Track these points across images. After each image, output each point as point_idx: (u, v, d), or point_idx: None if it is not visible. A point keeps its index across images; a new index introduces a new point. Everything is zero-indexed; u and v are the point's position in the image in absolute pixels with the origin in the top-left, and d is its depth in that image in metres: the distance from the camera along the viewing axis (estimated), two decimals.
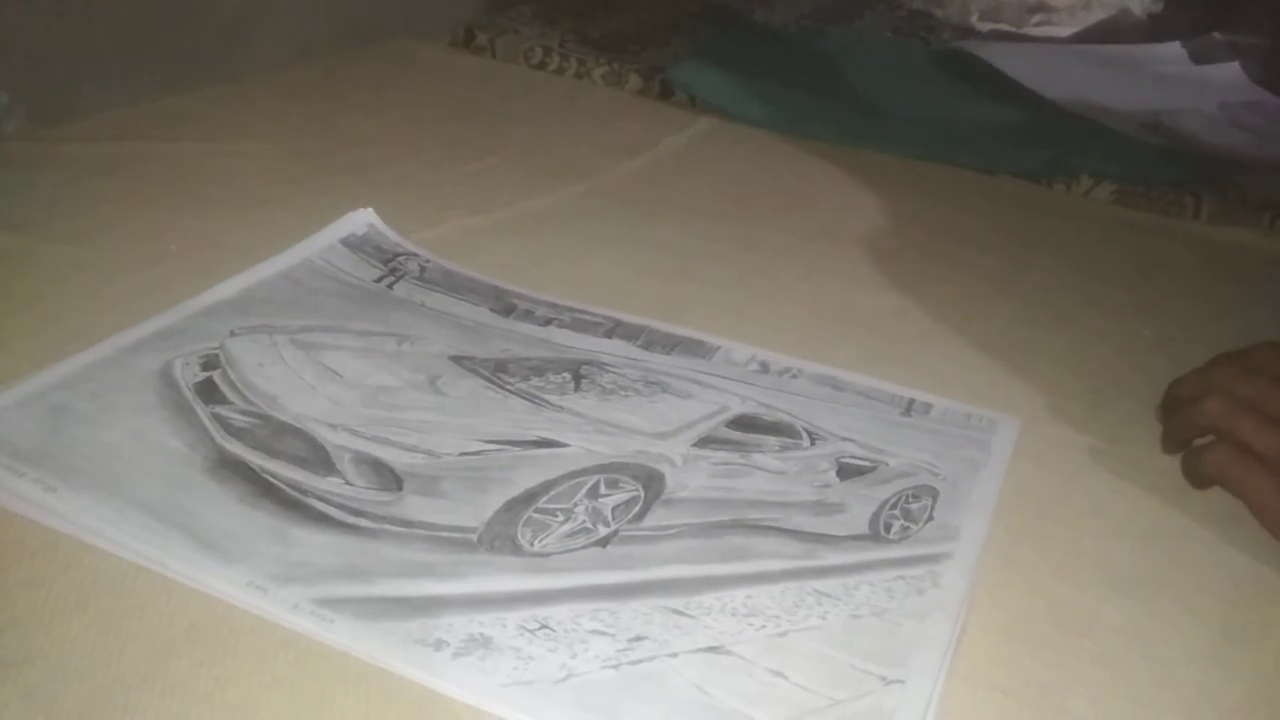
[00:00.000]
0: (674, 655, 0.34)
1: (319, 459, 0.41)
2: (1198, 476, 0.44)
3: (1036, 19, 1.04)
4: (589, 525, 0.40)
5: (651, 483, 0.42)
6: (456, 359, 0.49)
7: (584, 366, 0.49)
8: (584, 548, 0.38)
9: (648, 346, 0.52)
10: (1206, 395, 0.45)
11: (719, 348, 0.52)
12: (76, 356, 0.45)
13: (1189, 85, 0.91)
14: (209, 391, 0.44)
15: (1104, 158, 0.76)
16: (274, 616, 0.34)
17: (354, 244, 0.58)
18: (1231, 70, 0.93)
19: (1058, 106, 0.84)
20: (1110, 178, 0.73)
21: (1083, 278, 0.62)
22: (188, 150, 0.67)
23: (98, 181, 0.62)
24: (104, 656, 0.32)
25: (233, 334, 0.48)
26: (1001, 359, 0.53)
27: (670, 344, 0.52)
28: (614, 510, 0.40)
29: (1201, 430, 0.45)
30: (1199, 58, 0.95)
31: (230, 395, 0.44)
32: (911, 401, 0.49)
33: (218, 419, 0.43)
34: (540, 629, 0.35)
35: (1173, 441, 0.47)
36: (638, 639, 0.35)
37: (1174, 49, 0.96)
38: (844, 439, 0.46)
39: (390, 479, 0.41)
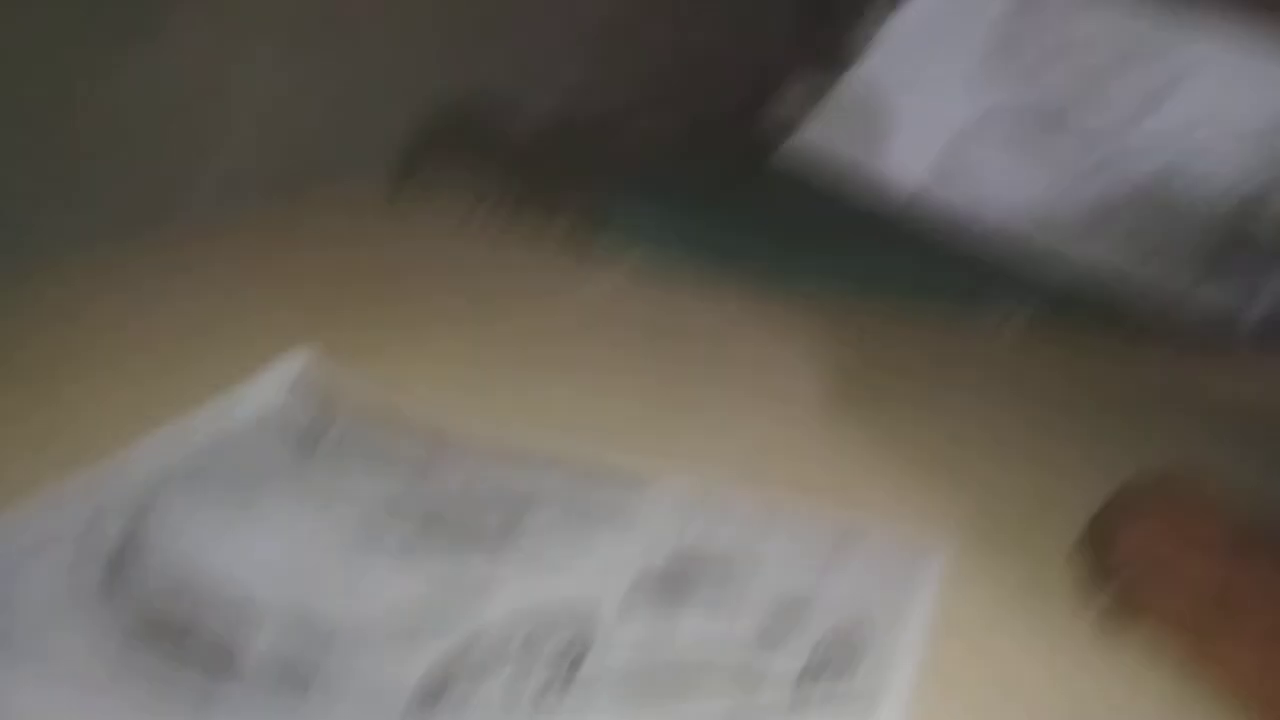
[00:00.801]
0: None
1: (227, 653, 0.40)
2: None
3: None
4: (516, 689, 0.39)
5: (581, 638, 0.42)
6: (389, 508, 0.49)
7: (521, 505, 0.49)
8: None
9: (580, 485, 0.52)
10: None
11: (651, 484, 0.53)
12: None
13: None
14: (136, 544, 0.44)
15: (1026, 284, 0.78)
16: None
17: (283, 395, 0.58)
18: None
19: (983, 235, 0.87)
20: (1032, 304, 0.76)
21: (1008, 402, 0.64)
22: (117, 302, 0.67)
23: (23, 335, 0.62)
24: None
25: (156, 494, 0.48)
26: (930, 486, 0.54)
27: (602, 482, 0.52)
28: (542, 672, 0.40)
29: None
30: None
31: (158, 548, 0.43)
32: (846, 529, 0.50)
33: (129, 592, 0.42)
34: None
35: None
36: None
37: None
38: (776, 577, 0.46)
39: (298, 680, 0.39)
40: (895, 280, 0.82)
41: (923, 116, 0.77)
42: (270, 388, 0.57)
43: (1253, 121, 0.66)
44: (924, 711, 0.39)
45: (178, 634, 0.40)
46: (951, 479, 0.55)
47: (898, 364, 0.69)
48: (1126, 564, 0.45)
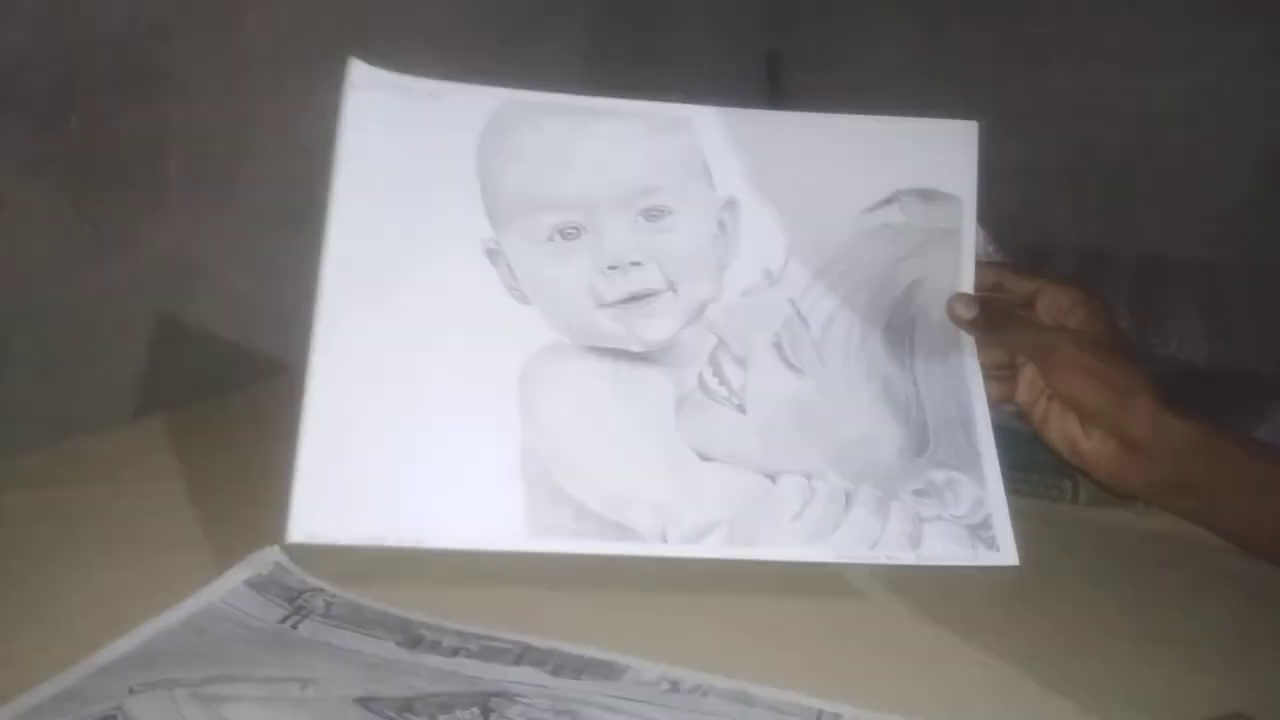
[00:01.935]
0: None
1: None
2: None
3: None
4: None
5: None
6: (362, 701, 0.48)
7: (493, 699, 0.49)
8: None
9: (556, 672, 0.52)
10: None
11: (628, 667, 0.52)
12: None
13: None
14: None
15: None
16: None
17: (259, 584, 0.58)
18: None
19: None
20: None
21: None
22: (88, 494, 0.67)
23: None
24: None
25: (132, 692, 0.47)
26: (905, 661, 0.54)
27: (579, 667, 0.52)
28: None
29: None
30: None
31: None
32: (820, 713, 0.49)
33: None
34: None
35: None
36: None
37: None
38: None
39: None
40: None
41: None
42: (240, 583, 0.57)
43: None
44: None
45: None
46: (927, 651, 0.55)
47: None
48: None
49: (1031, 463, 0.77)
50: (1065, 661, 0.54)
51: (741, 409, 0.58)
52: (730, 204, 0.62)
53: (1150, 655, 0.55)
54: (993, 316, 0.63)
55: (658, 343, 0.59)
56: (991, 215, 1.17)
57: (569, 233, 0.60)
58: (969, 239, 0.63)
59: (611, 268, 0.60)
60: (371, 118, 0.60)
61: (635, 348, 0.59)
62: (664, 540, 0.54)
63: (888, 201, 0.63)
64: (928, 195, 0.63)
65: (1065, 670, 0.53)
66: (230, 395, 0.85)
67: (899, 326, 0.62)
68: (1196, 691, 0.52)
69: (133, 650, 0.51)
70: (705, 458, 0.57)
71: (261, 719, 0.46)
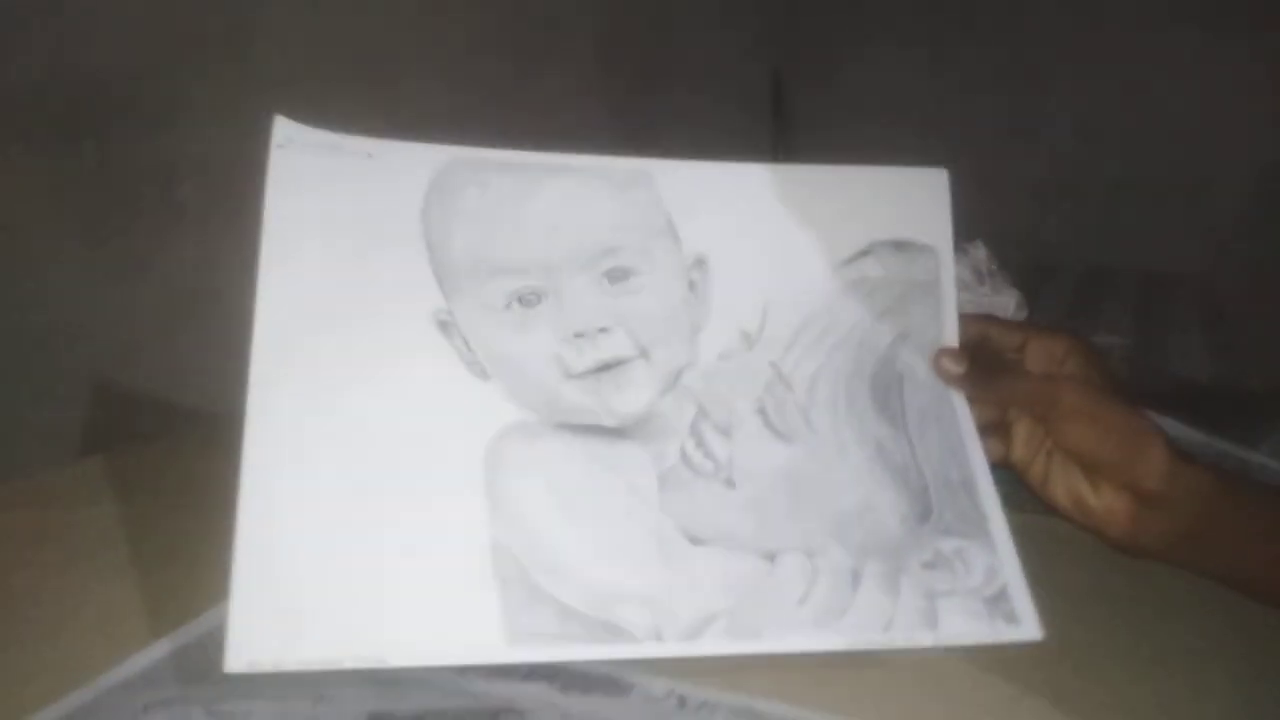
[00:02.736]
0: None
1: None
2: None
3: None
4: None
5: None
6: (374, 716, 0.49)
7: (502, 715, 0.50)
8: None
9: (565, 689, 0.52)
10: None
11: (635, 684, 0.53)
12: None
13: None
14: None
15: None
16: None
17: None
18: None
19: None
20: None
21: None
22: (109, 512, 0.68)
23: (12, 549, 0.62)
24: None
25: (145, 709, 0.48)
26: (911, 677, 0.55)
27: (587, 684, 0.53)
28: None
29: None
30: None
31: None
32: None
33: None
34: None
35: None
36: None
37: None
38: None
39: None
40: None
41: None
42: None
43: None
44: None
45: None
46: (928, 671, 0.55)
47: None
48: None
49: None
50: (1067, 680, 0.54)
51: (730, 483, 0.53)
52: (699, 262, 0.58)
53: (1149, 673, 0.56)
54: (983, 369, 0.59)
55: (633, 415, 0.54)
56: (992, 233, 1.18)
57: (528, 299, 0.55)
58: (949, 291, 0.61)
59: (578, 335, 0.55)
60: (300, 179, 0.54)
61: (609, 422, 0.54)
62: (659, 639, 0.48)
63: (863, 254, 0.60)
64: (903, 246, 0.60)
65: (1068, 688, 0.53)
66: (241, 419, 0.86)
67: (886, 385, 0.58)
68: (1196, 711, 0.53)
69: (148, 668, 0.51)
70: (696, 540, 0.51)
71: None
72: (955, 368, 0.59)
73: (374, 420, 0.51)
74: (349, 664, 0.46)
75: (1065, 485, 0.57)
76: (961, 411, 0.58)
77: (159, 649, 0.53)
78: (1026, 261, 1.22)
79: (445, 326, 0.54)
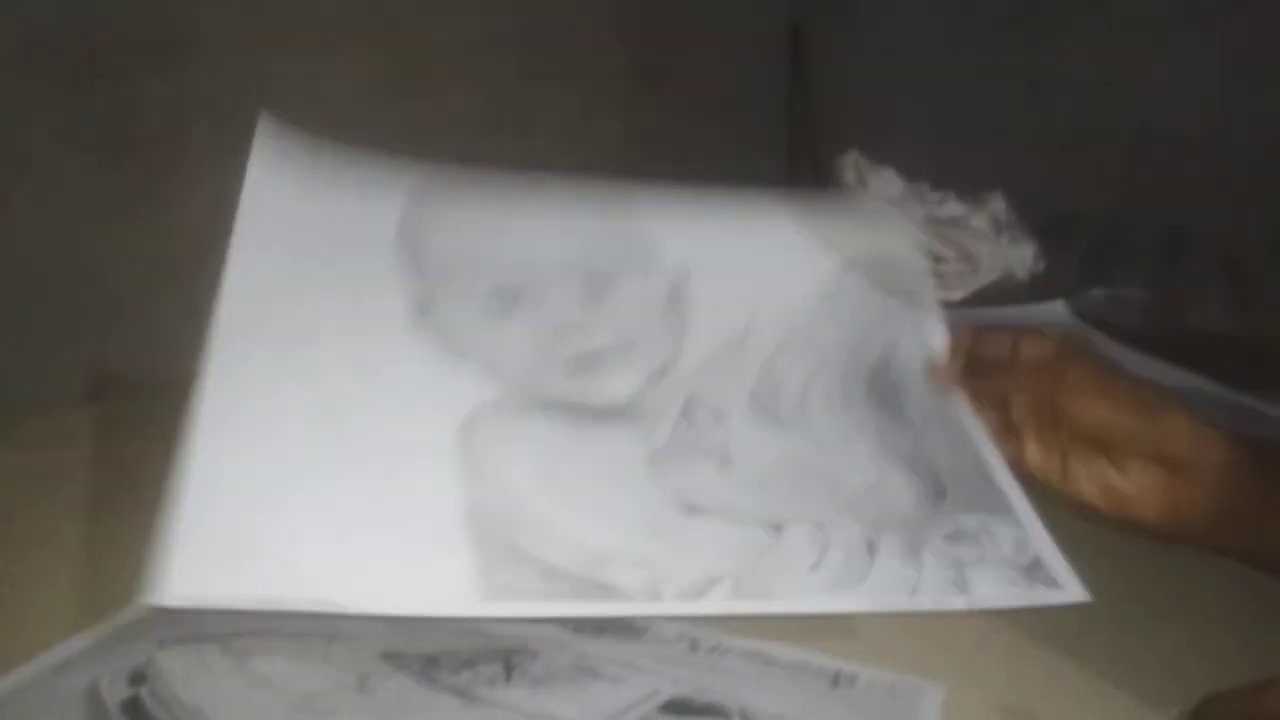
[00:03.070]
0: None
1: None
2: None
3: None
4: None
5: None
6: (387, 656, 0.49)
7: (514, 655, 0.50)
8: None
9: (578, 629, 0.53)
10: None
11: (648, 626, 0.53)
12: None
13: None
14: (135, 711, 0.44)
15: None
16: None
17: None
18: None
19: None
20: None
21: None
22: (122, 454, 0.68)
23: (26, 490, 0.63)
24: None
25: (162, 646, 0.48)
26: (921, 623, 0.55)
27: (600, 625, 0.53)
28: None
29: None
30: (1082, 314, 1.01)
31: (157, 713, 0.44)
32: (838, 673, 0.50)
33: None
34: None
35: None
36: None
37: (1057, 307, 1.03)
38: (774, 718, 0.46)
39: None
40: None
41: None
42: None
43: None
44: None
45: None
46: (944, 618, 0.55)
47: None
48: None
49: None
50: (1078, 634, 0.54)
51: (727, 459, 0.50)
52: (680, 272, 0.57)
53: (1156, 628, 0.56)
54: (979, 367, 0.57)
55: (619, 399, 0.51)
56: (1012, 186, 1.17)
57: (507, 294, 0.53)
58: (932, 301, 0.60)
59: (558, 328, 0.53)
60: (279, 178, 0.54)
61: (595, 402, 0.51)
62: (655, 598, 0.45)
63: (844, 269, 0.59)
64: (883, 260, 0.59)
65: (1077, 643, 0.53)
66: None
67: (884, 389, 0.56)
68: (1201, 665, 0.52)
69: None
70: (692, 510, 0.48)
71: (290, 672, 0.47)
72: (949, 371, 0.57)
73: (341, 380, 0.50)
74: (300, 606, 0.44)
75: (1090, 475, 0.53)
76: (966, 415, 0.56)
77: None
78: (1045, 213, 1.21)
79: (422, 311, 0.52)
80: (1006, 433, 0.56)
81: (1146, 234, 1.33)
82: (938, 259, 1.12)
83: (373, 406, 0.49)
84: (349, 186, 0.55)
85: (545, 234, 0.56)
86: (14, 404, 0.74)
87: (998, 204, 1.17)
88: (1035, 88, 1.56)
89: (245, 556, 0.44)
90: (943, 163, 1.18)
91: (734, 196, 0.60)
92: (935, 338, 0.58)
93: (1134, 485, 0.52)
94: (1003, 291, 1.11)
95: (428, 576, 0.44)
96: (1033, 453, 0.54)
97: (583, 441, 0.50)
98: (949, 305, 1.06)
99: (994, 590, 0.48)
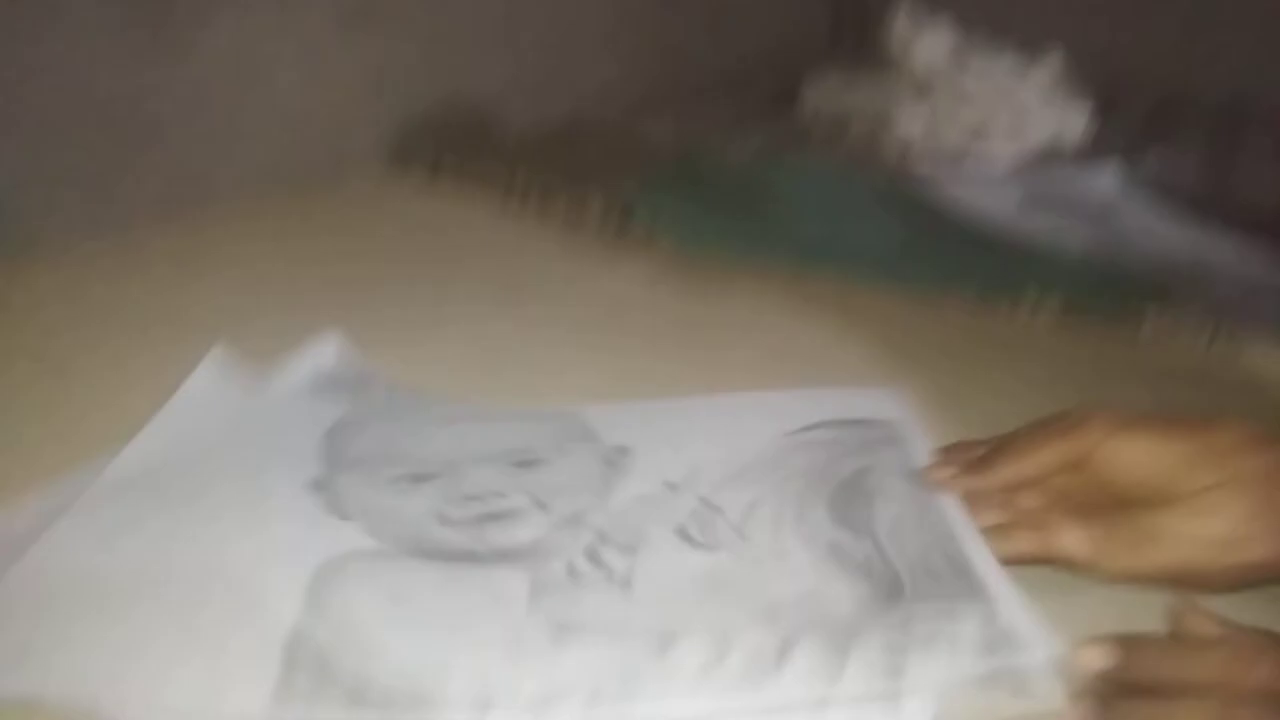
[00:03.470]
0: None
1: None
2: None
3: (975, 146, 1.08)
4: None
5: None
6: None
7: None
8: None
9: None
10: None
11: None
12: (39, 496, 0.46)
13: (1114, 212, 0.94)
14: None
15: (1046, 279, 0.78)
16: None
17: (318, 375, 0.59)
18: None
19: (999, 231, 0.87)
20: (1054, 296, 0.76)
21: (1032, 395, 0.64)
22: (152, 283, 0.68)
23: (61, 316, 0.63)
24: None
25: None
26: None
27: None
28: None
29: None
30: (1135, 179, 0.99)
31: None
32: None
33: None
34: None
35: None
36: None
37: (1109, 171, 1.00)
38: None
39: None
40: (925, 266, 0.82)
41: None
42: (305, 369, 0.58)
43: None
44: None
45: None
46: None
47: (928, 346, 0.69)
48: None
49: (1095, 296, 0.76)
50: None
51: (626, 585, 0.45)
52: (620, 449, 0.54)
53: None
54: (979, 461, 0.50)
55: (516, 546, 0.47)
56: (1067, 49, 1.13)
57: (420, 477, 0.51)
58: (917, 436, 0.54)
59: (468, 498, 0.49)
60: (211, 397, 0.55)
61: (483, 550, 0.47)
62: (487, 708, 0.38)
63: (811, 428, 0.55)
64: (860, 423, 0.55)
65: None
66: (277, 197, 0.85)
67: (848, 501, 0.50)
68: None
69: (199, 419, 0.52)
70: (565, 630, 0.42)
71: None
72: (944, 471, 0.50)
73: (211, 525, 0.47)
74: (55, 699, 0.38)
75: (1169, 530, 0.44)
76: (953, 514, 0.49)
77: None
78: (1098, 85, 1.17)
79: (318, 486, 0.50)
80: (1020, 529, 0.47)
81: (1201, 103, 1.29)
82: (988, 117, 1.09)
83: (236, 549, 0.46)
84: (282, 409, 0.56)
85: (476, 434, 0.54)
86: (40, 231, 0.73)
87: (1053, 66, 1.13)
88: None
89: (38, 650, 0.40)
90: (999, 18, 1.14)
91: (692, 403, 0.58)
92: (918, 453, 0.53)
93: (1225, 521, 0.43)
94: (1053, 155, 1.09)
95: (221, 694, 0.39)
96: (1075, 541, 0.45)
97: (456, 581, 0.45)
98: (998, 164, 1.05)
99: (942, 666, 0.41)
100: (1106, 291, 0.77)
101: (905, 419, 0.53)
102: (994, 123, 1.09)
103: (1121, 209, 0.95)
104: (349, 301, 0.68)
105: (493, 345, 0.65)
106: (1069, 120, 1.11)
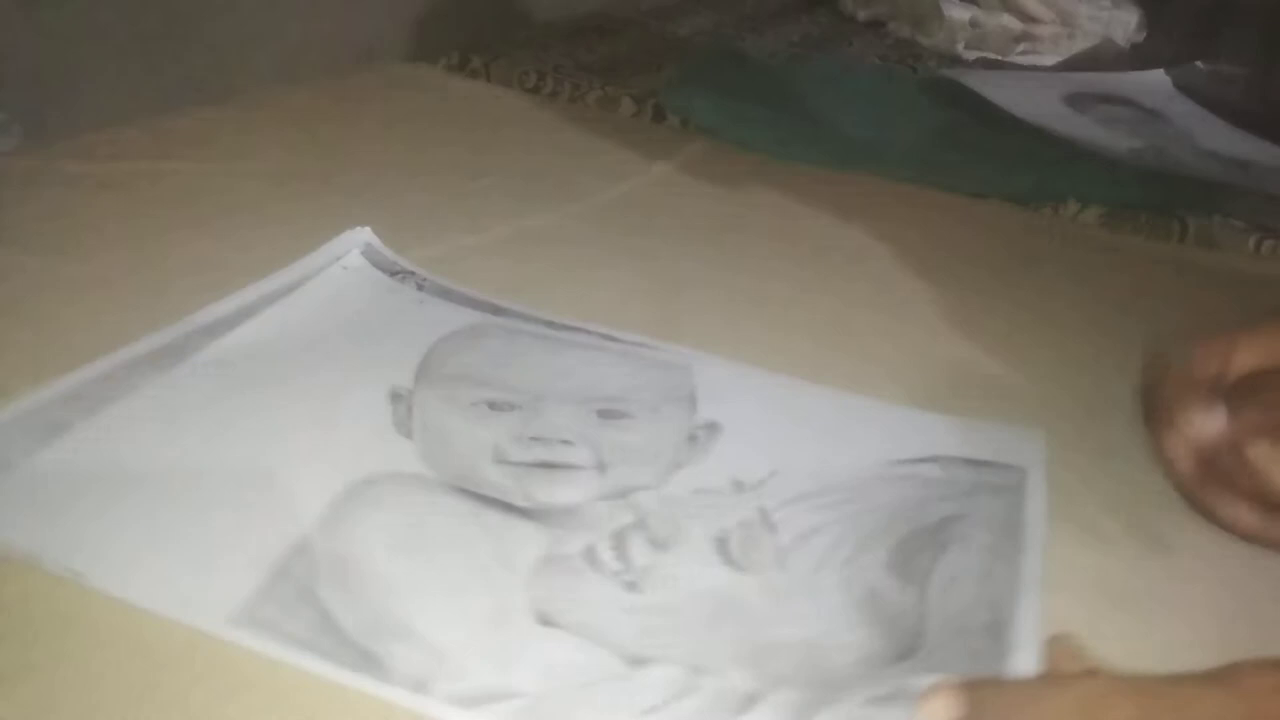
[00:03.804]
0: None
1: None
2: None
3: (1021, 48, 1.05)
4: None
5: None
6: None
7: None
8: None
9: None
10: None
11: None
12: (76, 373, 0.46)
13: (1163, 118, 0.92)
14: None
15: (1090, 182, 0.77)
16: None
17: (351, 262, 0.58)
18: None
19: (1043, 132, 0.85)
20: (1097, 201, 0.74)
21: (1073, 298, 0.63)
22: (185, 169, 0.67)
23: (95, 199, 0.62)
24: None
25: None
26: (998, 376, 0.54)
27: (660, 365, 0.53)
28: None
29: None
30: (1182, 86, 0.96)
31: None
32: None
33: None
34: None
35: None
36: None
37: (1157, 77, 0.98)
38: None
39: None
40: (967, 167, 0.80)
41: None
42: (337, 256, 0.58)
43: None
44: None
45: None
46: (1017, 373, 0.55)
47: (964, 258, 0.68)
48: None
49: (1140, 200, 0.75)
50: None
51: (633, 586, 0.42)
52: (711, 426, 0.50)
53: None
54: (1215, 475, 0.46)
55: (551, 507, 0.45)
56: None
57: (499, 405, 0.49)
58: (1037, 505, 0.47)
59: (534, 439, 0.48)
60: (345, 291, 0.56)
61: (520, 503, 0.45)
62: (416, 689, 0.36)
63: (925, 460, 0.50)
64: (982, 465, 0.49)
65: None
66: (324, 81, 0.84)
67: (916, 550, 0.45)
68: None
69: (229, 314, 0.52)
70: (545, 622, 0.40)
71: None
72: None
73: (276, 415, 0.47)
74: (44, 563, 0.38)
75: None
76: (1030, 572, 0.44)
77: (249, 293, 0.53)
78: None
79: (395, 397, 0.49)
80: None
81: (1250, 7, 1.25)
82: (1035, 19, 1.06)
83: (286, 447, 0.45)
84: (407, 313, 0.56)
85: (576, 372, 0.52)
86: (77, 115, 0.73)
87: None
88: None
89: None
90: None
91: (814, 390, 0.53)
92: (1035, 506, 0.47)
93: None
94: (1101, 59, 1.06)
95: (204, 584, 0.38)
96: None
97: (474, 528, 0.43)
98: (1045, 65, 1.02)
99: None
100: (1151, 196, 0.76)
101: (1036, 465, 0.49)
102: (1041, 27, 1.06)
103: (1169, 112, 0.93)
104: (378, 197, 0.67)
105: (529, 242, 0.64)
106: (1117, 25, 1.07)
